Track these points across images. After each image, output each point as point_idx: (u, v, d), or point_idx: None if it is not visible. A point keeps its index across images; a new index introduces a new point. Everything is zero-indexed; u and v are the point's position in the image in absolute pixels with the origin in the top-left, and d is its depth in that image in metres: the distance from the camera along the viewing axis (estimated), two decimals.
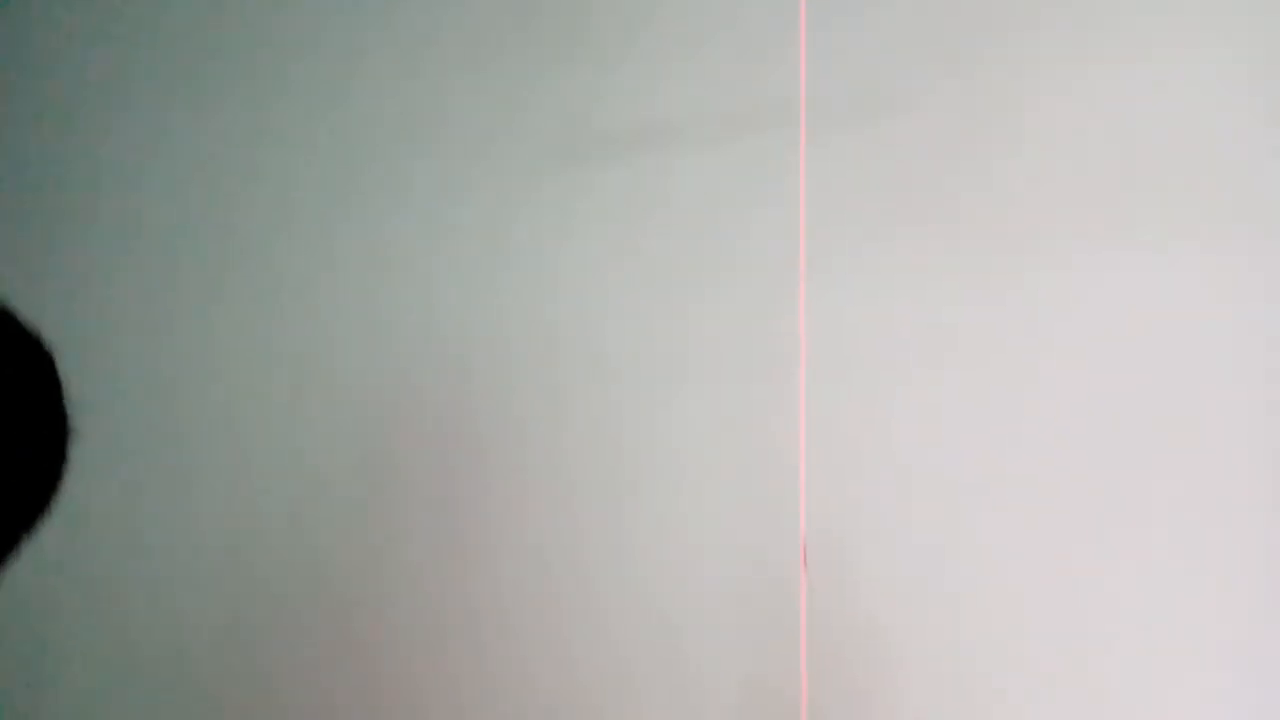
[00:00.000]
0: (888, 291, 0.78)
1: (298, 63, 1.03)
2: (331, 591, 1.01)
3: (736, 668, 0.79)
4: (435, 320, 0.98)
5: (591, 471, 0.89)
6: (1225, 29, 0.71)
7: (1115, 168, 0.75)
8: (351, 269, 1.01)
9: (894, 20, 0.81)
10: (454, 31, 0.97)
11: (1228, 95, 0.71)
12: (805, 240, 0.78)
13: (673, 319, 0.84)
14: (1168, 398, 0.70)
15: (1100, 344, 0.72)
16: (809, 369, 0.79)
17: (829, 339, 0.79)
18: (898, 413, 0.77)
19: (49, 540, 0.97)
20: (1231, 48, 0.71)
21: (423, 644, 0.94)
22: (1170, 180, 0.73)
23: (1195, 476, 0.70)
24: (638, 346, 0.87)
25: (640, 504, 0.86)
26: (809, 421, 0.79)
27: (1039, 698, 0.68)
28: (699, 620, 0.81)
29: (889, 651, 0.73)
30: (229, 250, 1.06)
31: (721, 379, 0.83)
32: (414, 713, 0.93)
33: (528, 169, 0.93)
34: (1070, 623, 0.69)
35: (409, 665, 0.94)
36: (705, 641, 0.81)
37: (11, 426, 0.47)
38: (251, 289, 1.05)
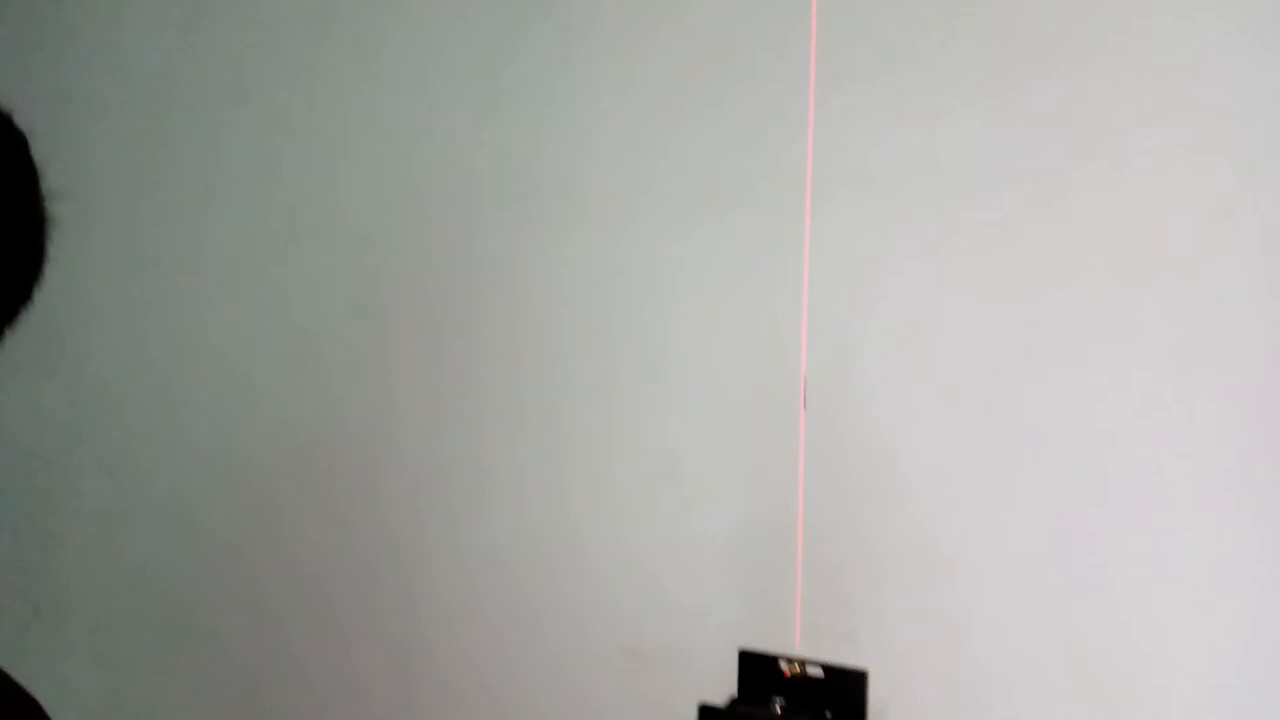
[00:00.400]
0: (896, 119, 0.75)
1: None
2: (330, 428, 1.01)
3: (735, 500, 0.80)
4: (432, 160, 0.94)
5: (590, 310, 0.87)
6: None
7: None
8: (346, 107, 0.97)
9: None
10: None
11: None
12: (815, 66, 0.74)
13: (676, 151, 0.81)
14: (1190, 213, 0.69)
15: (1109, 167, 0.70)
16: (815, 201, 0.77)
17: (836, 171, 0.77)
18: (902, 247, 0.76)
19: (55, 393, 0.94)
20: None
21: (420, 479, 0.94)
22: None
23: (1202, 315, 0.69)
24: (640, 180, 0.84)
25: (640, 339, 0.85)
26: (813, 255, 0.77)
27: (1035, 509, 0.69)
28: (699, 453, 0.81)
29: (884, 483, 0.74)
30: (225, 85, 1.02)
31: (724, 213, 0.81)
32: (415, 542, 0.94)
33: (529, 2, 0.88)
34: (1068, 439, 0.69)
35: (409, 500, 0.95)
36: (705, 474, 0.81)
37: None
38: (248, 122, 1.00)
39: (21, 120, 0.47)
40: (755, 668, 0.76)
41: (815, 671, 0.74)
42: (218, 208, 1.06)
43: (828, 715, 0.70)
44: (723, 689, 0.78)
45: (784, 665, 0.74)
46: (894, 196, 0.75)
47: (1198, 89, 0.67)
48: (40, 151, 0.47)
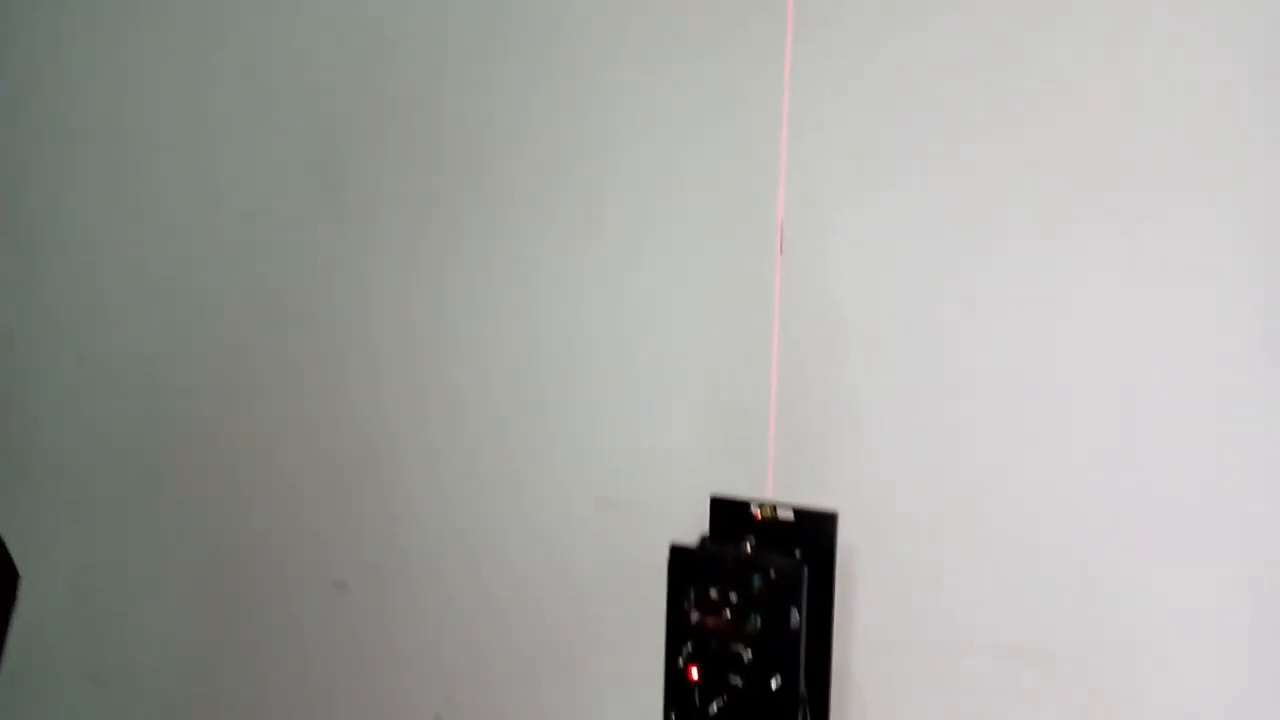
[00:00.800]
0: None
1: None
2: (290, 286, 0.99)
3: (709, 348, 0.79)
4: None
5: (564, 156, 0.84)
6: None
7: None
8: None
9: None
10: None
11: None
12: None
13: None
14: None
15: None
16: (795, 43, 0.75)
17: (818, 11, 0.74)
18: (884, 94, 0.73)
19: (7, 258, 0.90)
20: None
21: (386, 334, 0.93)
22: None
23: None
24: (614, 21, 0.81)
25: (614, 186, 0.83)
26: (793, 101, 0.75)
27: (1011, 356, 0.69)
28: (672, 302, 0.80)
29: (860, 329, 0.73)
30: None
31: (700, 56, 0.78)
32: (382, 397, 0.93)
33: None
34: (1049, 284, 0.68)
35: (374, 355, 0.93)
36: (678, 323, 0.80)
37: None
38: None
39: None
40: (727, 513, 0.76)
41: (786, 515, 0.74)
42: (165, 62, 1.02)
43: (797, 554, 0.71)
44: (696, 535, 0.79)
45: (755, 509, 0.75)
46: (878, 38, 0.73)
47: None
48: None
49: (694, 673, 0.66)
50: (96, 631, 1.13)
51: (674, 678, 0.70)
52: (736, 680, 0.67)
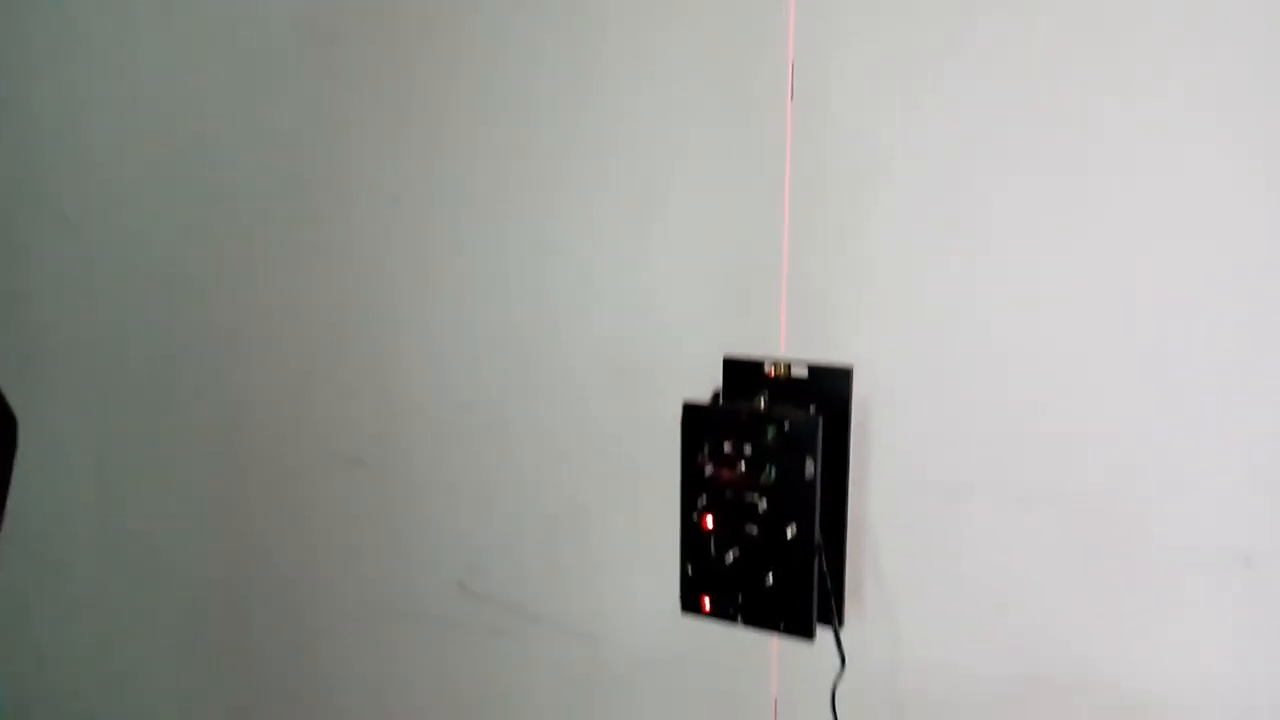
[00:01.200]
0: None
1: None
2: (287, 161, 0.97)
3: (719, 204, 0.77)
4: None
5: (568, 10, 0.81)
6: None
7: None
8: None
9: None
10: None
11: None
12: None
13: None
14: None
15: None
16: None
17: None
18: None
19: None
20: None
21: (386, 206, 0.91)
22: None
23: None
24: None
25: (620, 31, 0.80)
26: None
27: (1026, 210, 0.67)
28: (681, 154, 0.78)
29: (873, 181, 0.71)
30: None
31: None
32: (385, 273, 0.92)
33: None
34: (1063, 132, 0.66)
35: (375, 228, 0.92)
36: (687, 178, 0.78)
37: None
38: None
39: None
40: (740, 373, 0.76)
41: (800, 372, 0.74)
42: None
43: (811, 408, 0.71)
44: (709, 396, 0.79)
45: (769, 368, 0.74)
46: None
47: None
48: None
49: (709, 522, 0.66)
50: (116, 518, 1.15)
51: (690, 530, 0.71)
52: (752, 529, 0.68)
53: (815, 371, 0.72)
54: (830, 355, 0.74)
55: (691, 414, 0.72)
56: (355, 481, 0.99)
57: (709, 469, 0.68)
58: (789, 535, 0.68)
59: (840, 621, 0.71)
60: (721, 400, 0.71)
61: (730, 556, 0.70)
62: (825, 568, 0.69)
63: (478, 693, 0.96)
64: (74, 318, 1.13)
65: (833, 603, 0.70)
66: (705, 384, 0.78)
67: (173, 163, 1.04)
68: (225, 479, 1.07)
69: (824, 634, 0.73)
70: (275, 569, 1.06)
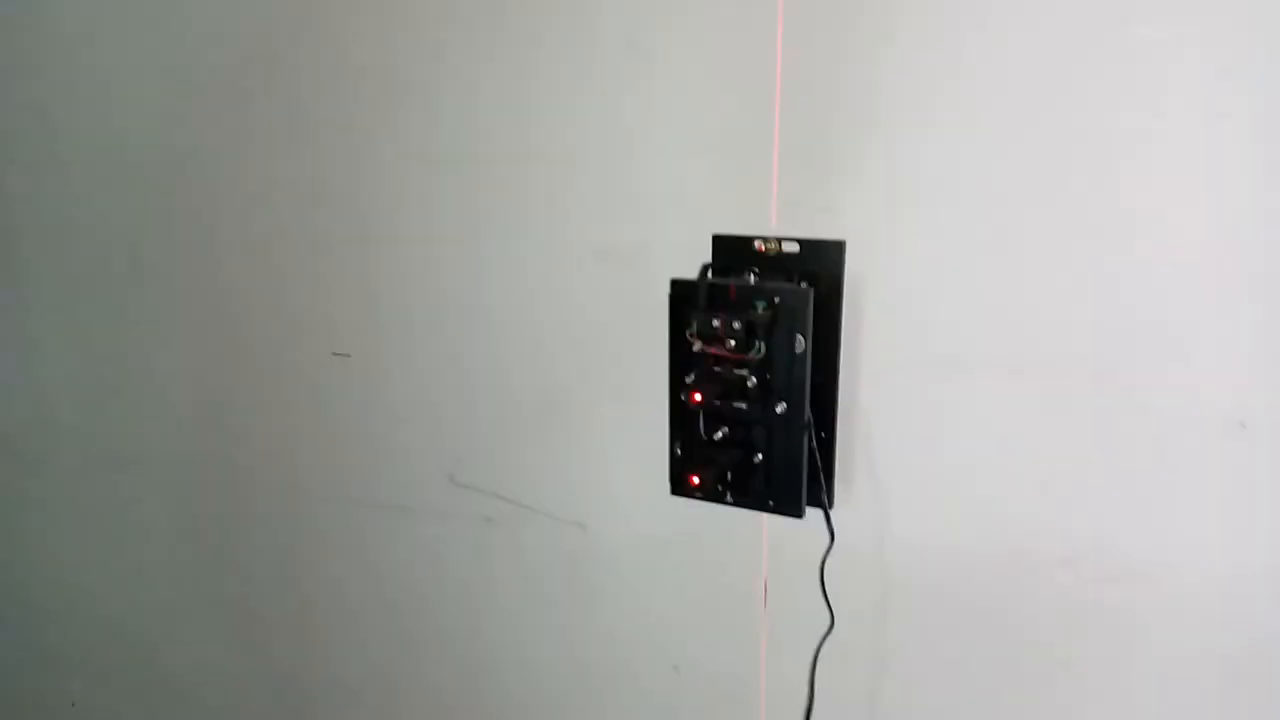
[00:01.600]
0: None
1: None
2: (270, 71, 0.93)
3: (708, 74, 0.74)
4: None
5: None
6: None
7: None
8: None
9: None
10: None
11: None
12: None
13: None
14: None
15: None
16: None
17: None
18: None
19: None
20: None
21: (381, 114, 0.88)
22: None
23: None
24: None
25: None
26: None
27: (1030, 74, 0.64)
28: (665, 24, 0.74)
29: (868, 36, 0.68)
30: None
31: None
32: (374, 178, 0.89)
33: None
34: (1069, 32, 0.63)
35: (368, 141, 0.89)
36: (673, 48, 0.74)
37: None
38: None
39: None
40: (730, 250, 0.74)
41: (791, 247, 0.72)
42: None
43: (803, 284, 0.69)
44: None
45: (759, 244, 0.72)
46: None
47: None
48: None
49: (697, 397, 0.65)
50: (104, 418, 1.14)
51: (678, 408, 0.70)
52: (741, 406, 0.66)
53: (807, 246, 0.70)
54: (825, 225, 0.72)
55: (679, 289, 0.70)
56: (342, 374, 0.97)
57: (697, 345, 0.66)
58: (779, 411, 0.67)
59: (830, 498, 0.70)
60: (709, 275, 0.69)
61: (719, 435, 0.69)
62: (815, 444, 0.69)
63: (471, 581, 0.96)
64: (52, 211, 1.09)
65: (822, 479, 0.69)
66: (694, 264, 0.76)
67: (149, 49, 0.99)
68: (209, 374, 1.06)
69: (814, 514, 0.73)
70: (263, 464, 1.05)
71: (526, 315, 0.86)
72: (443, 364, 0.92)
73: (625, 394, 0.82)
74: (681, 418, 0.66)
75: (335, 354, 0.97)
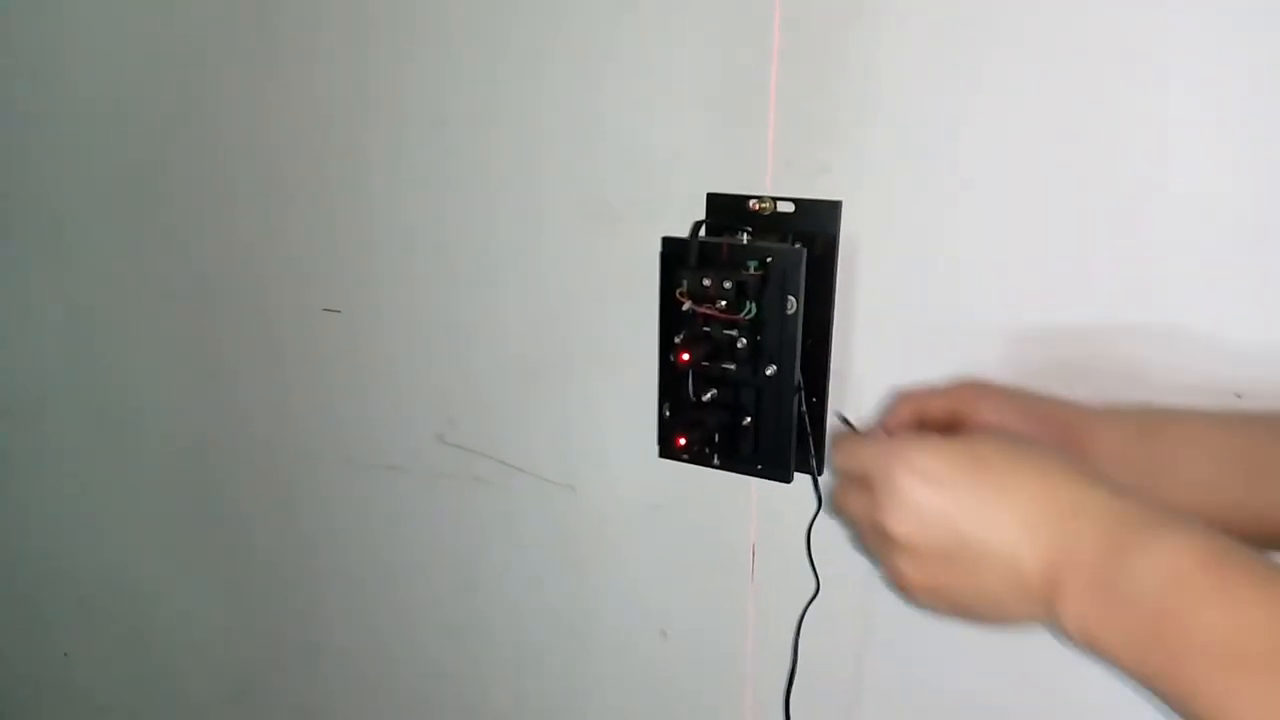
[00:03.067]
0: None
1: None
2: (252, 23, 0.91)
3: (703, 28, 0.72)
4: None
5: None
6: None
7: None
8: None
9: None
10: None
11: None
12: None
13: None
14: None
15: None
16: None
17: None
18: None
19: None
20: None
21: (375, 64, 0.86)
22: None
23: None
24: None
25: None
26: None
27: (1029, 49, 0.62)
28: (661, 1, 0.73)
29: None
30: None
31: None
32: (364, 132, 0.87)
33: None
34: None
35: (358, 91, 0.87)
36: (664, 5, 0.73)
37: None
38: None
39: None
40: (724, 208, 0.72)
41: (786, 207, 0.70)
42: None
43: (796, 245, 0.67)
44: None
45: (754, 203, 0.70)
46: None
47: None
48: None
49: (685, 357, 0.64)
50: (94, 374, 1.14)
51: (668, 368, 0.69)
52: (730, 367, 0.65)
53: (802, 205, 0.69)
54: (821, 185, 0.70)
55: (671, 247, 0.69)
56: (331, 330, 0.96)
57: (687, 305, 0.65)
58: (768, 374, 0.66)
59: (819, 464, 0.69)
60: (702, 234, 0.68)
61: (708, 396, 0.68)
62: (805, 408, 0.68)
63: (459, 544, 0.96)
64: (36, 170, 1.08)
65: (811, 444, 0.68)
66: (686, 223, 0.75)
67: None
68: (196, 330, 1.05)
69: (802, 479, 0.72)
70: (252, 421, 1.05)
71: (518, 273, 0.85)
72: (434, 322, 0.91)
73: (617, 355, 0.81)
74: (670, 379, 0.65)
75: (326, 309, 0.97)
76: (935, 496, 0.47)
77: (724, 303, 0.65)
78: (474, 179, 0.84)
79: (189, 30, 0.95)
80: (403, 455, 0.96)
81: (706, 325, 0.65)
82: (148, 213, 1.03)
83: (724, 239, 0.67)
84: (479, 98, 0.82)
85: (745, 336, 0.65)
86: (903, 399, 0.63)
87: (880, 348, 0.70)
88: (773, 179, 0.72)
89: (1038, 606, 0.45)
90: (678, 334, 0.66)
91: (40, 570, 1.31)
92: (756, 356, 0.65)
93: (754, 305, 0.64)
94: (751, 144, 0.71)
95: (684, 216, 0.75)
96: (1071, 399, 0.60)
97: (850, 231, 0.69)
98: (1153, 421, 0.57)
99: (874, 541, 0.52)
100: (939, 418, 0.60)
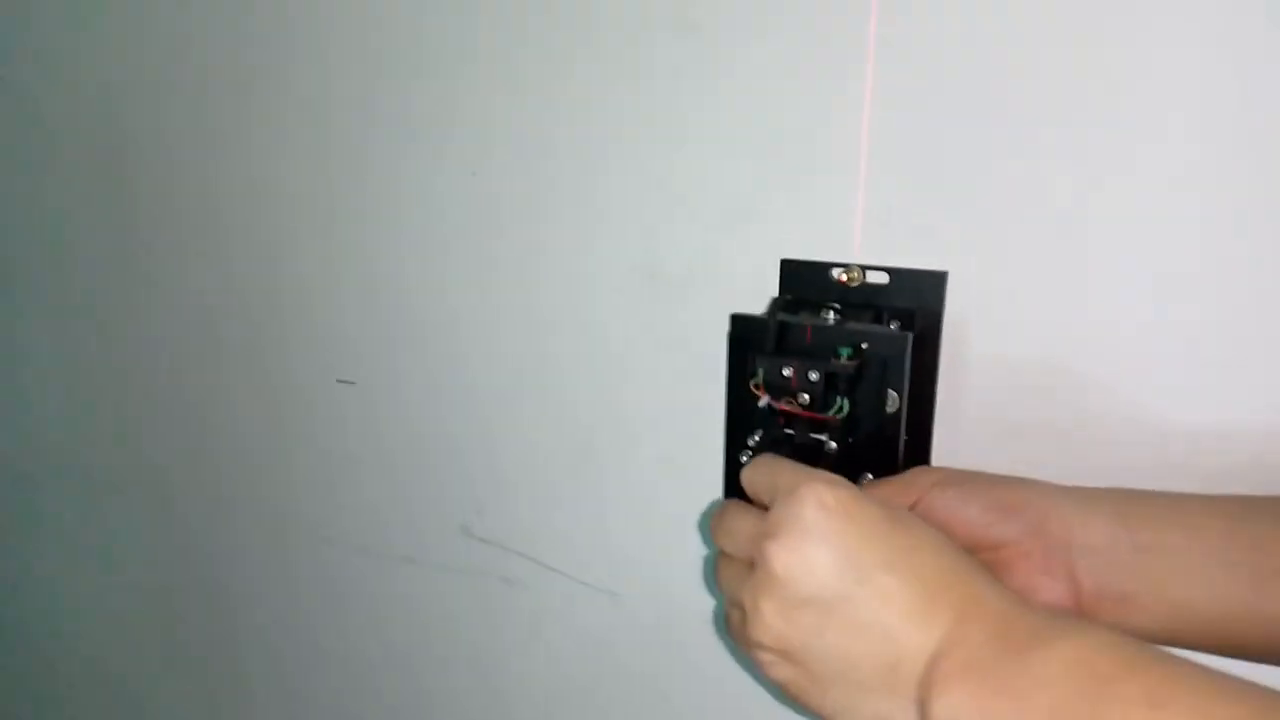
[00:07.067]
0: None
1: None
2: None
3: (779, 70, 0.61)
4: None
5: None
6: None
7: None
8: None
9: None
10: None
11: None
12: None
13: None
14: None
15: None
16: None
17: None
18: None
19: None
20: None
21: (396, 121, 0.76)
22: None
23: None
24: None
25: None
26: None
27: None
28: (726, 25, 0.61)
29: (975, 28, 0.55)
30: None
31: None
32: (373, 193, 0.78)
33: None
34: None
35: (358, 144, 0.77)
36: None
37: None
38: None
39: None
40: (803, 280, 0.61)
41: (878, 278, 0.58)
42: None
43: (893, 326, 0.56)
44: (762, 306, 0.64)
45: (839, 274, 0.59)
46: None
47: None
48: None
49: None
50: (87, 440, 1.04)
51: (735, 474, 0.57)
52: None
53: (899, 276, 0.57)
54: (920, 259, 0.58)
55: (742, 328, 0.57)
56: (345, 404, 0.86)
57: (763, 400, 0.54)
58: (862, 485, 0.54)
59: None
60: (780, 309, 0.56)
61: None
62: None
63: (484, 648, 0.84)
64: (37, 218, 1.00)
65: None
66: (756, 294, 0.64)
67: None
68: (197, 395, 0.95)
69: None
70: (254, 499, 0.93)
71: (556, 346, 0.74)
72: (460, 399, 0.79)
73: (672, 445, 0.69)
74: (741, 489, 0.53)
75: (340, 381, 0.86)
76: (840, 535, 0.41)
77: (807, 397, 0.53)
78: (505, 233, 0.73)
79: (191, 67, 0.86)
80: (421, 546, 0.84)
81: (788, 425, 0.54)
82: (149, 266, 0.94)
83: (805, 319, 0.56)
84: (505, 138, 0.72)
85: (836, 440, 0.53)
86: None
87: (994, 452, 0.58)
88: (861, 242, 0.60)
89: (898, 699, 0.39)
90: (750, 433, 0.55)
91: (23, 646, 1.20)
92: (849, 463, 0.53)
93: (846, 402, 0.53)
94: (836, 197, 0.60)
95: (749, 285, 0.64)
96: (1040, 479, 0.50)
97: (957, 310, 0.57)
98: (1141, 510, 0.46)
99: (737, 576, 0.45)
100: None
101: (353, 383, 0.85)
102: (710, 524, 0.48)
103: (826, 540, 0.40)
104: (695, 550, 0.70)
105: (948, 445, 0.57)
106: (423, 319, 0.79)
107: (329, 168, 0.80)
